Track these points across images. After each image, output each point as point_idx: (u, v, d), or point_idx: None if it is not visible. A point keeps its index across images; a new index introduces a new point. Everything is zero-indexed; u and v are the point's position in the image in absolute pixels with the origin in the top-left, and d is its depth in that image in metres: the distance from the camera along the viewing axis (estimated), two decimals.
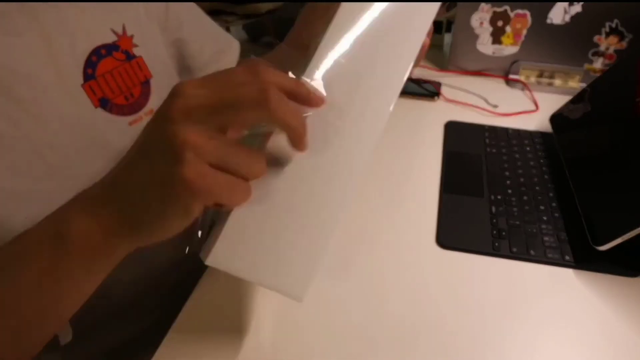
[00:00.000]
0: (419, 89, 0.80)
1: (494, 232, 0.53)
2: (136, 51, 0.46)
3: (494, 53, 0.84)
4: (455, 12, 0.83)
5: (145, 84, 0.48)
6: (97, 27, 0.43)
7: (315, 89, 0.29)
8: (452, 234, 0.53)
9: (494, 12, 0.79)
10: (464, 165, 0.63)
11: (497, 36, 0.82)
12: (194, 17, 0.59)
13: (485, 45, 0.83)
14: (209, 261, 0.29)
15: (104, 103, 0.43)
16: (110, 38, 0.44)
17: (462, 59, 0.86)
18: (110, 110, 0.44)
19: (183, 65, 0.57)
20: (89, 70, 0.42)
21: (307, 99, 0.28)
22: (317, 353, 0.41)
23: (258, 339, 0.42)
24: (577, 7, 0.75)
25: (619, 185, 0.50)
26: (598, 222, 0.49)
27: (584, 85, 0.81)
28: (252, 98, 0.25)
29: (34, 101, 0.38)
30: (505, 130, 0.70)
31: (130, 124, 0.46)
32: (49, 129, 0.39)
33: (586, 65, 0.81)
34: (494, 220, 0.54)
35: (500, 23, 0.80)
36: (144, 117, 0.48)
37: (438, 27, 0.98)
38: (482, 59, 0.85)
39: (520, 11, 0.78)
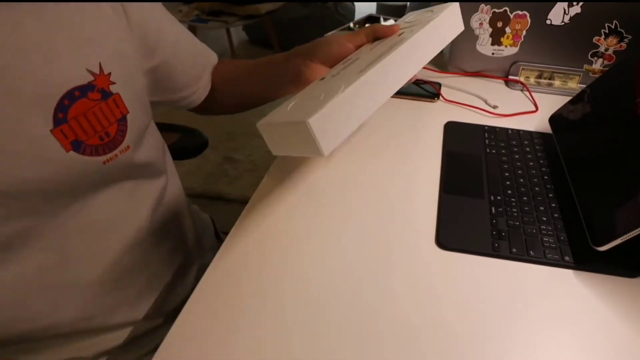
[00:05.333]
0: (419, 90, 0.80)
1: (494, 232, 0.53)
2: (113, 88, 0.44)
3: (493, 54, 0.84)
4: None
5: (122, 121, 0.46)
6: (70, 70, 0.40)
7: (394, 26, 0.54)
8: (451, 234, 0.53)
9: (494, 13, 0.79)
10: (463, 166, 0.63)
11: (496, 37, 0.82)
12: (178, 38, 0.57)
13: (484, 46, 0.83)
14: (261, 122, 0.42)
15: (76, 146, 0.41)
16: (86, 78, 0.41)
17: (462, 60, 0.86)
18: (84, 152, 0.42)
19: (160, 87, 0.56)
20: (60, 115, 0.40)
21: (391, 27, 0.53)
22: (316, 353, 0.41)
23: (258, 339, 0.42)
24: (576, 8, 0.75)
25: (618, 185, 0.50)
26: (598, 223, 0.49)
27: (583, 86, 0.81)
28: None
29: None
30: (505, 130, 0.70)
31: (105, 162, 0.45)
32: (15, 176, 0.39)
33: (585, 66, 0.82)
34: (494, 221, 0.54)
35: (499, 24, 0.80)
36: (119, 155, 0.46)
37: None
38: (482, 60, 0.85)
39: (519, 12, 0.78)
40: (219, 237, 0.79)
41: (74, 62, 0.41)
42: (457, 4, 0.56)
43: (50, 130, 0.39)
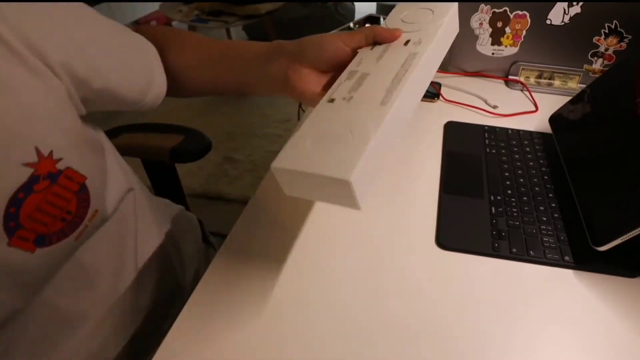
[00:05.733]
0: None
1: (494, 232, 0.53)
2: (61, 164, 0.38)
3: (493, 54, 0.84)
4: None
5: (81, 191, 0.40)
6: (2, 176, 0.34)
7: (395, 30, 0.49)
8: (452, 234, 0.53)
9: (494, 13, 0.79)
10: (463, 166, 0.63)
11: (496, 37, 0.82)
12: (115, 61, 0.45)
13: (484, 46, 0.83)
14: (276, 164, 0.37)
15: (40, 242, 0.38)
16: (25, 174, 0.35)
17: (462, 60, 0.86)
18: (50, 243, 0.39)
19: (107, 105, 0.47)
20: (11, 224, 0.35)
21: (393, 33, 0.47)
22: (316, 353, 0.41)
23: (257, 339, 0.42)
24: (576, 8, 0.75)
25: (618, 185, 0.50)
26: (598, 223, 0.49)
27: (583, 86, 0.81)
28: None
29: None
30: (505, 130, 0.70)
31: (77, 238, 0.41)
32: None
33: (585, 66, 0.82)
34: (494, 221, 0.54)
35: (499, 24, 0.80)
36: (88, 224, 0.42)
37: None
38: (482, 60, 0.85)
39: (519, 12, 0.78)
40: (207, 240, 0.76)
41: (3, 165, 0.34)
42: (456, 4, 0.53)
43: (7, 244, 0.36)
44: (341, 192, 0.34)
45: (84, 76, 0.40)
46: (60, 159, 0.38)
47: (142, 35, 0.51)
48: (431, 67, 0.48)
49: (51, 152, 0.37)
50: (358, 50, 0.49)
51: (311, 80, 0.46)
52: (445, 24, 0.49)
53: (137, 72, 0.48)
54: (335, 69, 0.47)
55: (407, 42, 0.48)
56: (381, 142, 0.37)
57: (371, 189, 0.36)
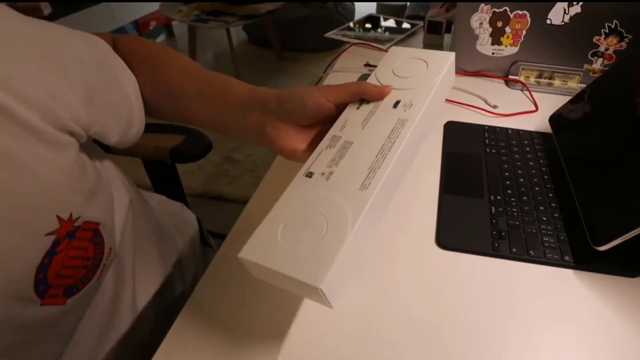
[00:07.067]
0: None
1: (494, 232, 0.53)
2: (78, 222, 0.38)
3: (493, 54, 0.84)
4: (455, 13, 0.83)
5: (96, 235, 0.41)
6: (29, 247, 0.35)
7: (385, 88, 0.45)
8: (452, 234, 0.53)
9: (494, 13, 0.79)
10: (463, 166, 0.63)
11: (496, 37, 0.82)
12: (108, 111, 0.44)
13: (484, 46, 0.83)
14: (242, 254, 0.35)
15: (69, 293, 0.40)
16: (48, 242, 0.36)
17: (462, 60, 0.86)
18: (78, 290, 0.41)
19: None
20: (42, 288, 0.37)
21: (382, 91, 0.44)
22: (316, 352, 0.41)
23: (257, 338, 0.42)
24: (576, 8, 0.75)
25: (618, 185, 0.50)
26: (598, 223, 0.49)
27: (583, 86, 0.81)
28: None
29: None
30: (505, 130, 0.70)
31: (99, 278, 0.43)
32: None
33: (585, 66, 0.82)
34: (494, 221, 0.54)
35: (499, 24, 0.80)
36: (107, 263, 0.43)
37: (438, 28, 0.98)
38: (482, 60, 0.85)
39: (519, 12, 0.78)
40: (205, 241, 0.76)
41: (30, 236, 0.35)
42: (453, 55, 0.47)
43: (40, 304, 0.37)
44: (311, 294, 0.32)
45: (86, 126, 0.39)
46: (78, 218, 0.38)
47: (121, 48, 0.48)
48: (423, 129, 0.43)
49: (70, 214, 0.37)
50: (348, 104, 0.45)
51: (291, 136, 0.44)
52: (440, 82, 0.44)
53: (121, 116, 0.46)
54: (320, 124, 0.45)
55: (396, 104, 0.43)
56: (360, 233, 0.34)
57: (348, 284, 0.33)
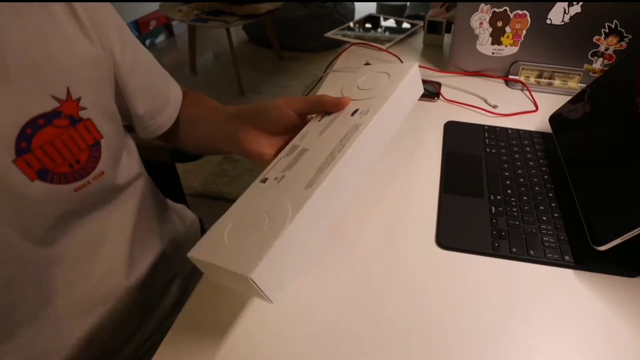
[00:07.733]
0: None
1: (494, 232, 0.53)
2: (83, 114, 0.42)
3: (493, 53, 0.84)
4: (455, 13, 0.83)
5: (95, 147, 0.44)
6: (31, 98, 0.38)
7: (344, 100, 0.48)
8: (451, 234, 0.53)
9: (494, 13, 0.79)
10: (463, 166, 0.63)
11: (496, 37, 0.82)
12: (149, 66, 0.54)
13: (484, 45, 0.83)
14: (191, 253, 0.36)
15: (43, 175, 0.40)
16: (50, 105, 0.39)
17: (462, 60, 0.86)
18: (51, 181, 0.41)
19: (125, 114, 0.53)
20: (23, 144, 0.38)
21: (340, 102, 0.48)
22: (316, 353, 0.41)
23: (257, 340, 0.42)
24: (576, 8, 0.75)
25: (618, 185, 0.50)
26: (598, 223, 0.49)
27: (583, 85, 0.81)
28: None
29: None
30: (505, 130, 0.70)
31: (77, 190, 0.43)
32: None
33: (586, 66, 0.82)
34: (494, 221, 0.54)
35: (499, 23, 0.80)
36: (92, 182, 0.44)
37: (438, 28, 0.98)
38: (482, 60, 0.85)
39: (519, 12, 0.78)
40: None
41: (36, 89, 0.39)
42: (416, 65, 0.49)
43: (13, 161, 0.38)
44: (248, 287, 0.32)
45: (123, 65, 0.47)
46: (85, 108, 0.42)
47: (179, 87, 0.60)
48: (383, 135, 0.44)
49: (79, 98, 0.42)
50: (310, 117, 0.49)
51: (259, 141, 0.49)
52: (398, 90, 0.46)
53: (154, 98, 0.54)
54: (287, 132, 0.50)
55: (354, 112, 0.45)
56: (302, 228, 0.34)
57: (291, 279, 0.34)
